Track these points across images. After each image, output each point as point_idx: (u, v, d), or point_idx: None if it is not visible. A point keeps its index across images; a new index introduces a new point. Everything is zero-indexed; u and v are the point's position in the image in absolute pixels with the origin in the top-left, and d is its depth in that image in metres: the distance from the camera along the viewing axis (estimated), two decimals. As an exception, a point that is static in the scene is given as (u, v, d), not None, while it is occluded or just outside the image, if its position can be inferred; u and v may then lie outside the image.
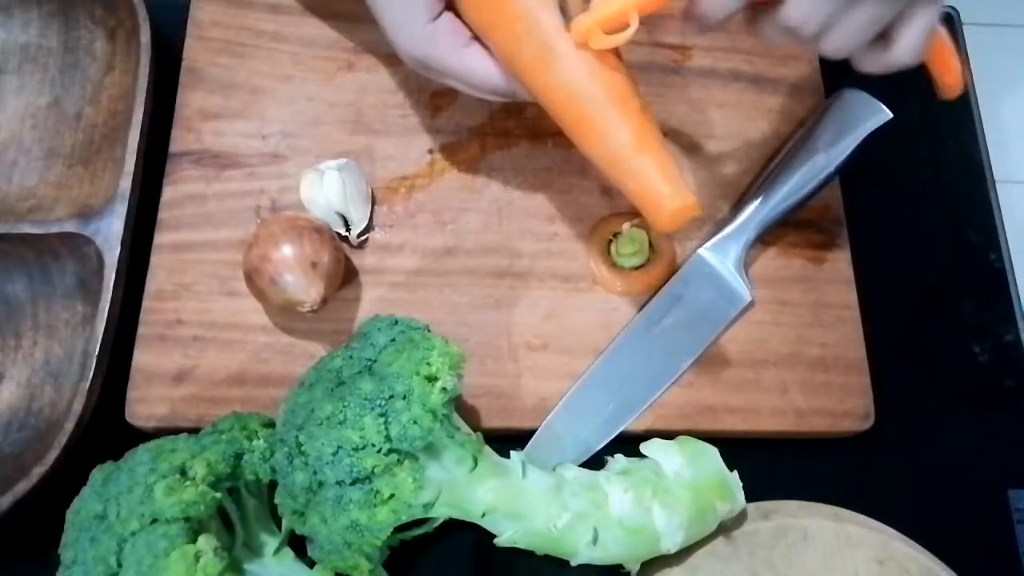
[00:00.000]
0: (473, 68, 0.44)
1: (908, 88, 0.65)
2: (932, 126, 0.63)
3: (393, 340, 0.43)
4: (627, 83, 0.44)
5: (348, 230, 0.53)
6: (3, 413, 0.50)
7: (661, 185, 0.43)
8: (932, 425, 0.55)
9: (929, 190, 0.61)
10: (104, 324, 0.48)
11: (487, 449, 0.44)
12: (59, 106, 0.57)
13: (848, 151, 0.53)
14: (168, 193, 0.54)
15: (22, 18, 0.58)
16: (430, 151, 0.56)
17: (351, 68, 0.58)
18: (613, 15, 0.40)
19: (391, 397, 0.40)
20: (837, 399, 0.52)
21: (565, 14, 0.43)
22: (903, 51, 0.42)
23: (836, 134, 0.53)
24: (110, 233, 0.50)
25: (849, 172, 0.55)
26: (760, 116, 0.59)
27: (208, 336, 0.51)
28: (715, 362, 0.53)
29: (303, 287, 0.47)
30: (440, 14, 0.44)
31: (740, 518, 0.47)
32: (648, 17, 0.63)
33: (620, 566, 0.45)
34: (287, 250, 0.48)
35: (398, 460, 0.39)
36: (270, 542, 0.45)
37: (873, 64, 0.44)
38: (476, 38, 0.44)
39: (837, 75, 0.59)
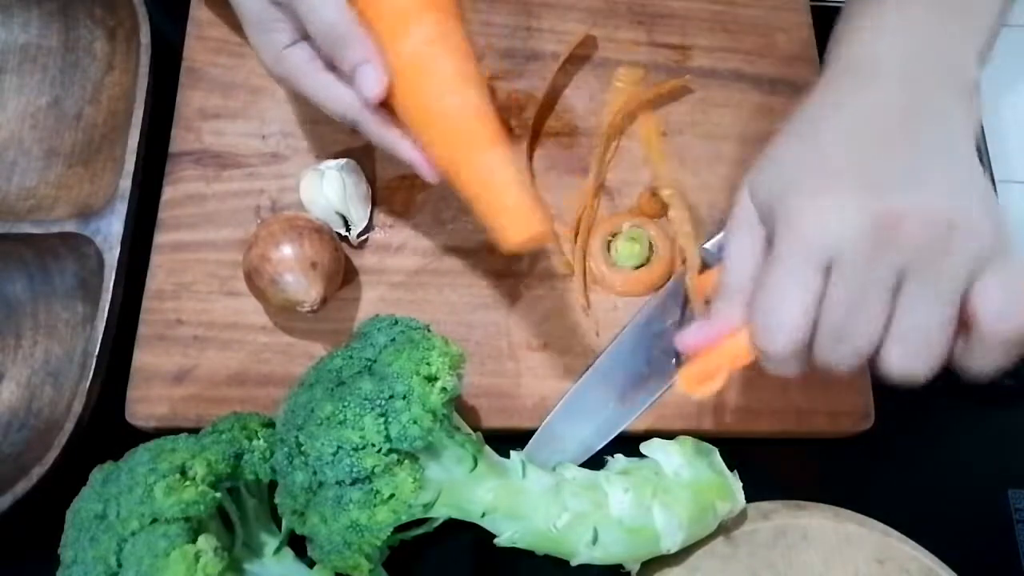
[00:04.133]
0: (323, 93, 0.45)
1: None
2: (932, 126, 0.63)
3: (393, 340, 0.43)
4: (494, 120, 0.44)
5: (348, 230, 0.53)
6: (3, 413, 0.50)
7: (507, 212, 0.43)
8: (932, 425, 0.55)
9: (929, 190, 0.61)
10: (104, 324, 0.48)
11: (487, 449, 0.44)
12: (59, 106, 0.57)
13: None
14: (168, 193, 0.54)
15: (22, 18, 0.58)
16: (430, 151, 0.56)
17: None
18: (708, 372, 0.41)
19: (391, 397, 0.40)
20: (837, 399, 0.52)
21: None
22: (996, 319, 0.34)
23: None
24: (110, 233, 0.50)
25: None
26: (760, 116, 0.59)
27: (208, 336, 0.51)
28: (715, 362, 0.53)
29: (303, 287, 0.47)
30: (297, 42, 0.44)
31: (740, 518, 0.47)
32: (651, 18, 0.63)
33: (620, 566, 0.45)
34: (287, 250, 0.48)
35: (398, 460, 0.39)
36: (270, 542, 0.45)
37: (971, 360, 0.36)
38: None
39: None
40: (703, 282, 0.42)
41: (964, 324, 0.35)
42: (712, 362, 0.40)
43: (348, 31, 0.42)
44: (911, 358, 0.35)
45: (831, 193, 0.35)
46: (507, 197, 0.42)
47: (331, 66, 0.44)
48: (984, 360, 0.35)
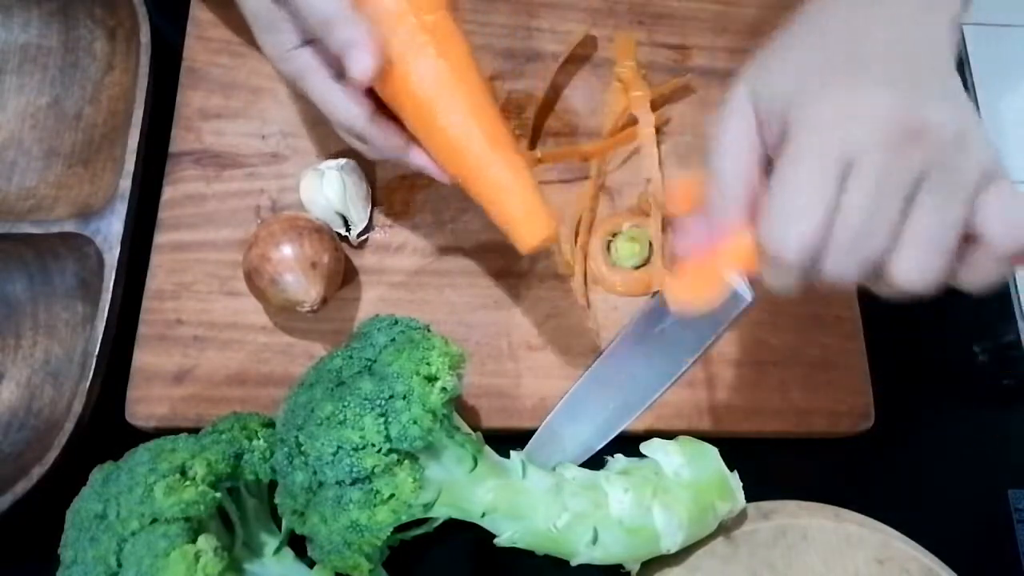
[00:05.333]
0: (330, 102, 0.44)
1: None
2: (932, 126, 0.63)
3: (393, 340, 0.43)
4: (502, 125, 0.45)
5: (348, 230, 0.53)
6: (3, 413, 0.50)
7: (520, 217, 0.44)
8: (932, 425, 0.55)
9: (929, 190, 0.61)
10: (104, 324, 0.48)
11: (487, 449, 0.44)
12: (59, 106, 0.57)
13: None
14: (168, 193, 0.54)
15: (22, 18, 0.58)
16: (430, 151, 0.56)
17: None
18: (701, 281, 0.39)
19: (391, 397, 0.40)
20: (837, 399, 0.52)
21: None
22: (1002, 238, 0.34)
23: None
24: (110, 233, 0.50)
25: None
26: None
27: (208, 336, 0.51)
28: (715, 362, 0.53)
29: (303, 287, 0.47)
30: (304, 44, 0.44)
31: (740, 518, 0.47)
32: (651, 19, 0.63)
33: (620, 566, 0.45)
34: (287, 250, 0.48)
35: (398, 460, 0.39)
36: (270, 542, 0.45)
37: (971, 275, 0.35)
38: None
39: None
40: (682, 191, 0.40)
41: (966, 238, 0.35)
42: (707, 269, 0.38)
43: (339, 13, 0.41)
44: (920, 266, 0.34)
45: (846, 93, 0.35)
46: (517, 205, 0.44)
47: (339, 74, 0.44)
48: (982, 273, 0.35)
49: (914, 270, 0.34)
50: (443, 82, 0.43)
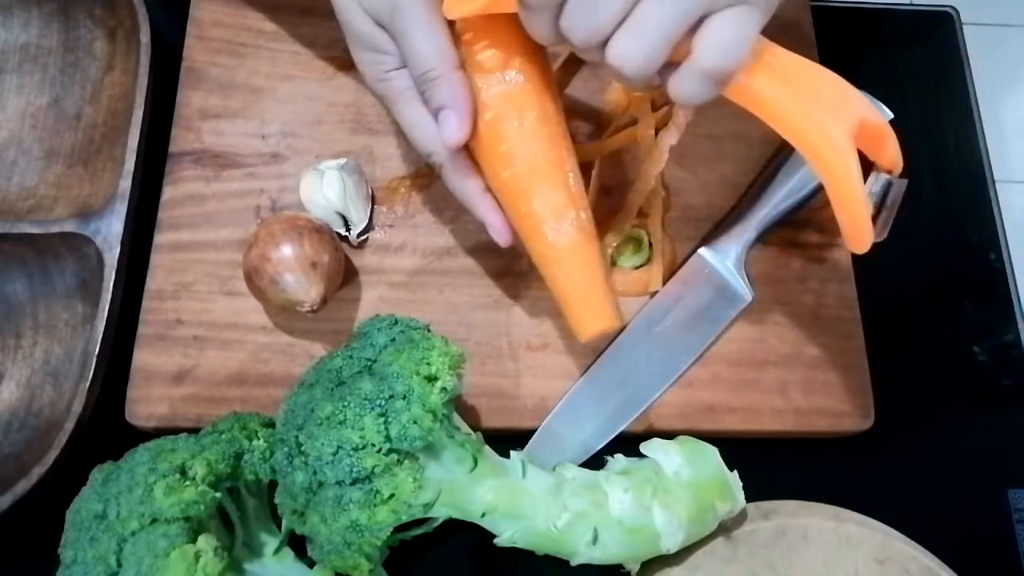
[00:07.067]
0: (415, 126, 0.45)
1: (908, 87, 0.65)
2: (932, 126, 0.63)
3: (393, 340, 0.43)
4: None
5: (348, 230, 0.53)
6: (3, 413, 0.50)
7: (583, 310, 0.45)
8: (932, 425, 0.55)
9: (929, 190, 0.61)
10: (104, 324, 0.48)
11: (487, 449, 0.44)
12: (59, 106, 0.57)
13: (848, 150, 0.53)
14: (168, 193, 0.54)
15: (22, 18, 0.58)
16: (430, 151, 0.56)
17: (351, 68, 0.58)
18: None
19: (391, 397, 0.40)
20: (837, 399, 0.52)
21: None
22: (708, 55, 0.36)
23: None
24: (110, 233, 0.50)
25: (849, 172, 0.55)
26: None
27: (208, 336, 0.51)
28: (715, 362, 0.53)
29: (303, 287, 0.47)
30: (401, 68, 0.44)
31: (740, 518, 0.47)
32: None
33: (620, 566, 0.45)
34: (287, 250, 0.48)
35: (398, 460, 0.39)
36: (270, 542, 0.45)
37: (677, 84, 0.38)
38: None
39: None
40: None
41: (684, 50, 0.37)
42: None
43: (440, 72, 0.42)
44: (631, 49, 0.36)
45: None
46: (583, 295, 0.45)
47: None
48: (687, 85, 0.37)
49: (628, 50, 0.36)
50: (537, 166, 0.44)
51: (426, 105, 0.44)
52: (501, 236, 0.46)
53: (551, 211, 0.44)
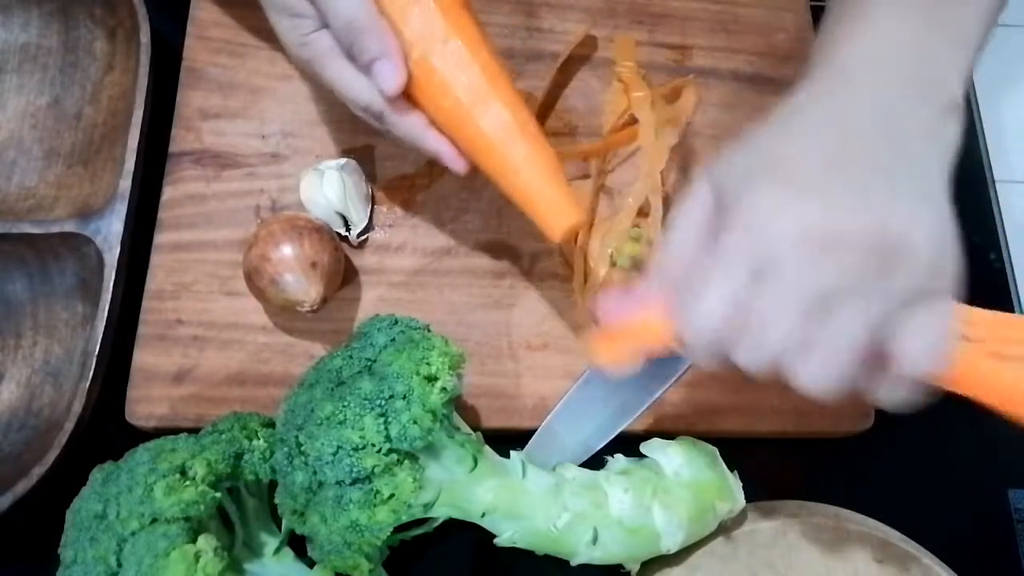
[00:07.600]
0: (346, 84, 0.44)
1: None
2: (932, 126, 0.63)
3: (393, 340, 0.43)
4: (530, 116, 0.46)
5: (348, 230, 0.53)
6: (3, 413, 0.50)
7: (549, 208, 0.45)
8: (932, 425, 0.55)
9: (929, 190, 0.61)
10: (104, 324, 0.48)
11: (487, 449, 0.44)
12: (59, 106, 0.57)
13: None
14: (168, 193, 0.54)
15: (22, 18, 0.58)
16: (430, 151, 0.57)
17: (351, 68, 0.58)
18: (618, 344, 0.40)
19: (391, 397, 0.40)
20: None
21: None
22: (910, 362, 0.33)
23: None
24: (110, 233, 0.50)
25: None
26: (760, 116, 0.59)
27: (208, 336, 0.51)
28: (715, 362, 0.53)
29: (303, 287, 0.47)
30: (321, 28, 0.44)
31: (740, 518, 0.47)
32: (651, 18, 0.63)
33: (620, 566, 0.45)
34: (287, 250, 0.48)
35: (398, 460, 0.39)
36: (270, 542, 0.45)
37: (886, 396, 0.35)
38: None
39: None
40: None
41: (881, 356, 0.34)
42: (625, 334, 0.39)
43: (366, 24, 0.42)
44: (822, 373, 0.34)
45: (778, 197, 0.34)
46: (543, 196, 0.44)
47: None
48: (894, 391, 0.35)
49: (816, 376, 0.34)
50: (477, 90, 0.43)
51: (355, 60, 0.43)
52: (456, 163, 0.45)
53: (498, 127, 0.44)
